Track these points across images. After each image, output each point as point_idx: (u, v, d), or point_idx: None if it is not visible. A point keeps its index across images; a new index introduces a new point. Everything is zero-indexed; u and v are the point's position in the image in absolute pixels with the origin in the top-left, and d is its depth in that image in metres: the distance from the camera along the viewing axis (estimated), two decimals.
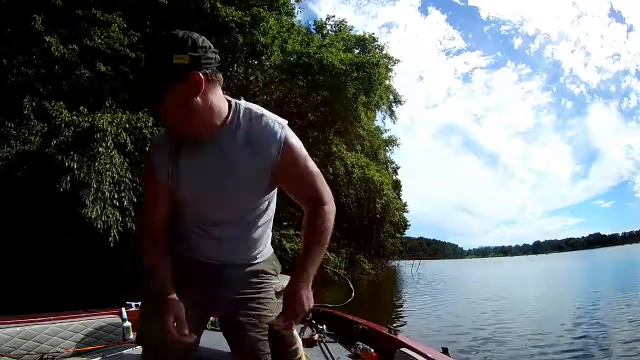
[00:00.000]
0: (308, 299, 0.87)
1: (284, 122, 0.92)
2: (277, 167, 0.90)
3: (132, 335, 1.85)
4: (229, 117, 0.87)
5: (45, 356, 1.49)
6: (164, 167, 0.92)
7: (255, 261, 1.08)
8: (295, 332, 0.87)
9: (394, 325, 2.25)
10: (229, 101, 0.89)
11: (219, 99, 0.85)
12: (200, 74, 0.77)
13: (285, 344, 0.85)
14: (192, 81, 0.76)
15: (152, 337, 0.94)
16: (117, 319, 1.87)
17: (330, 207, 0.97)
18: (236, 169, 0.88)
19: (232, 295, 1.04)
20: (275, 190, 1.01)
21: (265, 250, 1.12)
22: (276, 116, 0.93)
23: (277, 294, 1.12)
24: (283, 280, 1.97)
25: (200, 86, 0.77)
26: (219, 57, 0.83)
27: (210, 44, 0.81)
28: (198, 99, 0.79)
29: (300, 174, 0.94)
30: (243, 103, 0.91)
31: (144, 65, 0.82)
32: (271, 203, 1.03)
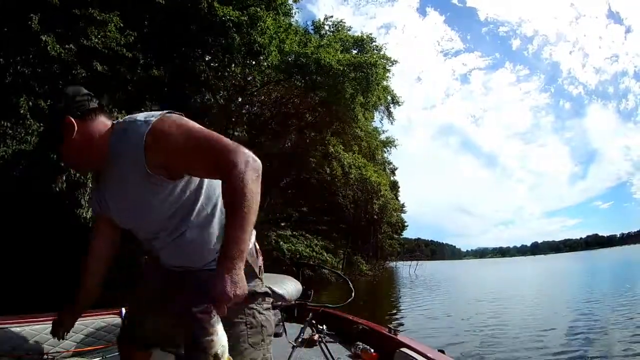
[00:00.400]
0: (233, 282, 0.74)
1: (157, 114, 0.89)
2: (155, 160, 0.86)
3: None
4: (111, 141, 0.93)
5: (45, 356, 1.48)
6: (93, 198, 1.09)
7: (211, 261, 1.00)
8: (217, 326, 0.73)
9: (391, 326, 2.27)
10: (113, 123, 0.97)
11: (100, 130, 0.94)
12: (71, 117, 0.91)
13: (200, 330, 0.72)
14: (67, 124, 0.91)
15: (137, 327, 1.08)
16: (117, 319, 1.87)
17: (238, 168, 0.80)
18: (126, 186, 0.92)
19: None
20: (190, 179, 0.94)
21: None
22: (152, 114, 0.90)
23: (258, 294, 1.03)
24: (283, 281, 1.99)
25: (73, 127, 0.91)
26: (90, 97, 0.97)
27: (80, 89, 0.98)
28: (76, 137, 0.91)
29: (183, 151, 0.85)
30: (122, 119, 0.96)
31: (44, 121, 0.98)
32: (191, 193, 0.94)
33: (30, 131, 5.42)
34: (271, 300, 1.09)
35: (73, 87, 0.98)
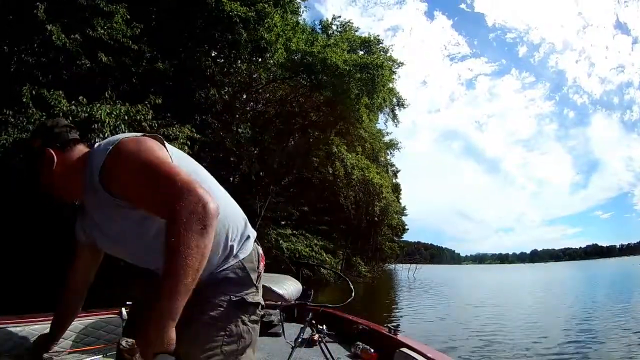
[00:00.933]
0: (160, 340, 0.69)
1: (115, 141, 0.85)
2: (111, 187, 0.83)
3: None
4: (87, 170, 0.90)
5: (45, 356, 1.47)
6: (77, 226, 1.09)
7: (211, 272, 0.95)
8: None
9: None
10: (87, 152, 0.95)
11: (79, 160, 0.93)
12: (51, 149, 0.92)
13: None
14: (47, 156, 0.92)
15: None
16: (117, 319, 1.86)
17: (180, 222, 0.71)
18: (102, 214, 0.91)
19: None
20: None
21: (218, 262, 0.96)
22: (111, 140, 0.86)
23: (248, 304, 0.98)
24: (283, 281, 1.96)
25: (52, 159, 0.92)
26: (68, 128, 0.97)
27: (60, 121, 0.98)
28: (56, 168, 0.92)
29: (130, 185, 0.81)
30: (96, 144, 0.93)
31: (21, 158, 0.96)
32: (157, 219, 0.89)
33: (32, 120, 5.39)
34: (261, 313, 1.04)
35: (52, 119, 0.99)
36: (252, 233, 1.05)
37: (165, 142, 0.90)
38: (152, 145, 0.85)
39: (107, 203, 0.85)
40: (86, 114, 5.79)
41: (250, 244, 1.02)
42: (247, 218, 1.07)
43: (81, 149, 0.96)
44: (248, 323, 0.98)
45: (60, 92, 5.81)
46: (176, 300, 0.70)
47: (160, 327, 0.70)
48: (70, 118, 5.75)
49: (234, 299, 0.95)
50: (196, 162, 1.01)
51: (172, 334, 0.72)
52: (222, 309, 0.93)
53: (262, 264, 1.07)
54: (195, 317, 0.93)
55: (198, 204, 0.73)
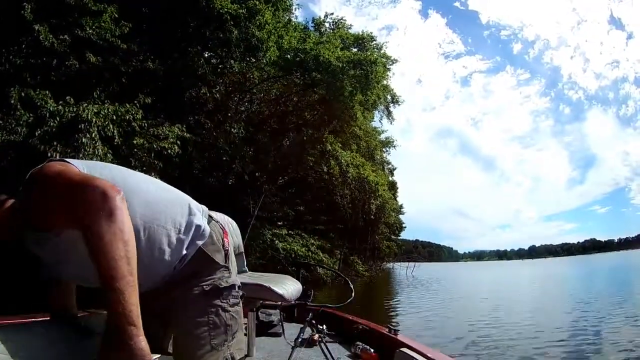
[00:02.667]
0: (133, 355, 0.62)
1: (33, 170, 0.83)
2: (37, 224, 0.80)
3: None
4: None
5: None
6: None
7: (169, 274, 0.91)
8: None
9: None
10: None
11: (8, 210, 0.86)
12: None
13: None
14: None
15: None
16: None
17: (87, 220, 0.69)
18: (45, 253, 0.86)
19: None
20: None
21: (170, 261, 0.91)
22: (32, 170, 0.83)
23: (223, 289, 0.95)
24: (283, 281, 1.99)
25: None
26: None
27: None
28: None
29: (40, 209, 0.78)
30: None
31: None
32: None
33: (21, 122, 5.35)
34: (240, 293, 1.00)
35: None
36: (204, 212, 0.98)
37: (71, 160, 0.86)
38: (52, 166, 0.81)
39: (39, 239, 0.82)
40: (73, 114, 5.76)
41: (205, 226, 0.94)
42: (195, 202, 1.00)
43: (7, 201, 0.88)
44: (229, 309, 0.95)
45: (47, 92, 5.78)
46: (124, 301, 0.63)
47: (125, 340, 0.62)
48: (58, 118, 5.73)
49: (207, 288, 0.92)
50: (114, 165, 0.96)
51: (141, 343, 0.63)
52: (197, 304, 0.90)
53: (226, 240, 1.00)
54: (173, 322, 0.92)
55: (96, 193, 0.70)
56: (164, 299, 0.92)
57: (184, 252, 0.89)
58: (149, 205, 0.87)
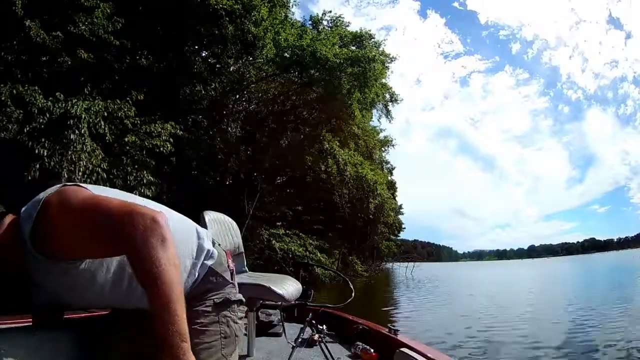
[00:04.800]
0: None
1: (36, 206, 0.79)
2: (53, 253, 0.78)
3: None
4: (17, 239, 0.82)
5: None
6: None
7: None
8: None
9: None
10: (15, 221, 0.86)
11: (7, 231, 0.84)
12: None
13: None
14: None
15: None
16: None
17: (138, 243, 0.72)
18: (50, 281, 0.84)
19: None
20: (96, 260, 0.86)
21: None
22: (33, 205, 0.80)
23: (232, 301, 1.01)
24: (283, 281, 2.01)
25: None
26: None
27: None
28: None
29: (74, 240, 0.77)
30: (22, 211, 0.84)
31: None
32: (109, 265, 0.86)
33: (12, 119, 5.33)
34: (245, 308, 1.07)
35: None
36: (208, 236, 1.04)
37: (85, 185, 0.86)
38: (77, 191, 0.81)
39: (52, 268, 0.80)
40: (62, 110, 5.74)
41: (213, 249, 1.01)
42: (197, 225, 1.05)
43: (8, 220, 0.85)
44: (238, 321, 1.02)
45: (36, 87, 5.76)
46: (178, 321, 0.69)
47: (179, 355, 0.68)
48: (48, 115, 5.71)
49: (218, 300, 0.98)
50: (126, 192, 0.98)
51: (192, 358, 0.70)
52: (209, 314, 0.96)
53: (230, 260, 1.08)
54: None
55: (146, 220, 0.73)
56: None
57: (197, 274, 0.96)
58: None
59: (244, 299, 1.06)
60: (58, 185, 0.84)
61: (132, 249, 0.72)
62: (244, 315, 1.06)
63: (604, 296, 11.17)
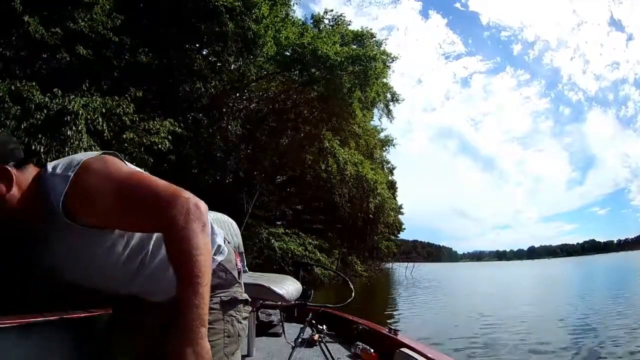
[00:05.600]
0: (196, 356, 0.70)
1: (75, 167, 0.79)
2: (81, 215, 0.78)
3: None
4: (38, 195, 0.82)
5: None
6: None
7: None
8: None
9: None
10: (38, 173, 0.86)
11: (28, 181, 0.84)
12: (7, 167, 0.81)
13: None
14: (5, 176, 0.80)
15: None
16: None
17: (180, 225, 0.74)
18: (53, 242, 0.84)
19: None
20: (118, 232, 0.86)
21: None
22: (70, 164, 0.81)
23: (239, 301, 1.01)
24: (283, 281, 2.02)
25: (11, 179, 0.80)
26: (17, 146, 0.87)
27: (10, 137, 0.87)
28: (12, 190, 0.80)
29: (110, 208, 0.78)
30: (44, 170, 0.85)
31: None
32: (129, 240, 0.86)
33: (10, 115, 5.33)
34: (250, 308, 1.06)
35: (2, 136, 0.87)
36: (220, 233, 1.04)
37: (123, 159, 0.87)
38: (118, 162, 0.83)
39: (73, 232, 0.80)
40: (59, 107, 5.73)
41: (224, 245, 1.02)
42: (211, 219, 1.03)
43: (32, 170, 0.86)
44: (242, 321, 1.01)
45: (34, 83, 5.75)
46: (203, 305, 0.71)
47: (196, 339, 0.70)
48: (46, 111, 5.71)
49: (225, 299, 0.97)
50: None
51: (208, 343, 0.72)
52: (215, 312, 0.94)
53: (237, 259, 1.08)
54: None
55: (190, 204, 0.75)
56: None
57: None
58: None
59: (249, 299, 1.06)
60: (96, 152, 0.84)
61: (175, 231, 0.74)
62: (248, 315, 1.05)
63: (603, 297, 11.21)
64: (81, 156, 0.82)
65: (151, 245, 0.89)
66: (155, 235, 0.89)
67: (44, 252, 0.89)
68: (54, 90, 5.91)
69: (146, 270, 0.89)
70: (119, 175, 0.79)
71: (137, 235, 0.87)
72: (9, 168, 0.81)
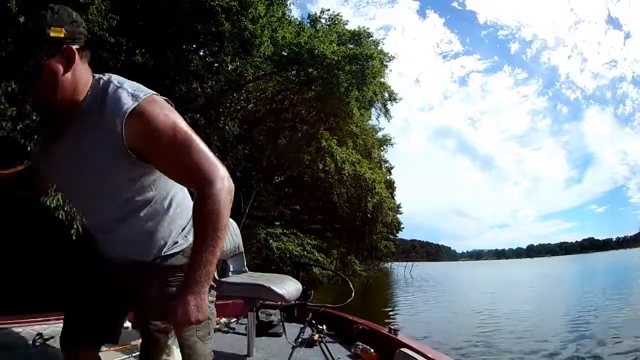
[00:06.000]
0: (197, 306, 0.77)
1: (146, 93, 0.82)
2: (131, 143, 0.80)
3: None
4: (89, 94, 0.84)
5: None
6: (35, 153, 1.04)
7: (158, 256, 0.94)
8: (173, 344, 0.79)
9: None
10: (94, 77, 0.87)
11: (86, 76, 0.85)
12: (74, 48, 0.80)
13: (155, 349, 0.77)
14: (66, 55, 0.80)
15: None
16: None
17: (216, 187, 0.80)
18: (85, 153, 0.83)
19: (139, 291, 0.94)
20: (157, 175, 0.90)
21: (170, 245, 0.95)
22: (140, 88, 0.84)
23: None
24: (283, 281, 2.02)
25: (73, 60, 0.81)
26: (86, 32, 0.86)
27: (81, 20, 0.84)
28: (68, 74, 0.81)
29: (163, 149, 0.81)
30: (107, 77, 0.87)
31: (17, 41, 0.79)
32: (153, 187, 0.90)
33: (6, 117, 5.30)
34: (215, 293, 1.05)
35: (72, 11, 0.83)
36: None
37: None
38: (177, 114, 0.85)
39: (106, 146, 0.80)
40: None
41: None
42: None
43: (87, 67, 0.86)
44: (209, 305, 0.96)
45: None
46: (211, 266, 0.79)
47: (201, 292, 0.78)
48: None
49: None
50: None
51: (207, 299, 0.80)
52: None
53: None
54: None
55: (227, 174, 0.84)
56: (142, 286, 0.93)
57: (183, 241, 0.97)
58: (185, 200, 1.00)
59: (215, 285, 1.03)
60: (152, 91, 0.85)
61: (208, 192, 0.80)
62: (214, 300, 1.04)
63: (602, 295, 11.27)
64: (137, 86, 0.85)
65: (152, 208, 0.91)
66: (163, 204, 0.93)
67: (62, 148, 0.87)
68: None
69: (133, 220, 0.90)
70: (180, 120, 0.84)
71: (153, 192, 0.90)
72: (75, 51, 0.81)
